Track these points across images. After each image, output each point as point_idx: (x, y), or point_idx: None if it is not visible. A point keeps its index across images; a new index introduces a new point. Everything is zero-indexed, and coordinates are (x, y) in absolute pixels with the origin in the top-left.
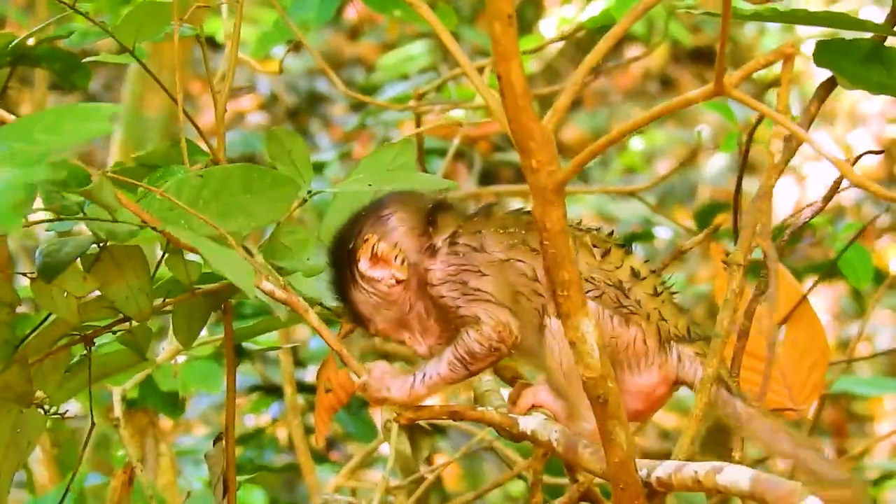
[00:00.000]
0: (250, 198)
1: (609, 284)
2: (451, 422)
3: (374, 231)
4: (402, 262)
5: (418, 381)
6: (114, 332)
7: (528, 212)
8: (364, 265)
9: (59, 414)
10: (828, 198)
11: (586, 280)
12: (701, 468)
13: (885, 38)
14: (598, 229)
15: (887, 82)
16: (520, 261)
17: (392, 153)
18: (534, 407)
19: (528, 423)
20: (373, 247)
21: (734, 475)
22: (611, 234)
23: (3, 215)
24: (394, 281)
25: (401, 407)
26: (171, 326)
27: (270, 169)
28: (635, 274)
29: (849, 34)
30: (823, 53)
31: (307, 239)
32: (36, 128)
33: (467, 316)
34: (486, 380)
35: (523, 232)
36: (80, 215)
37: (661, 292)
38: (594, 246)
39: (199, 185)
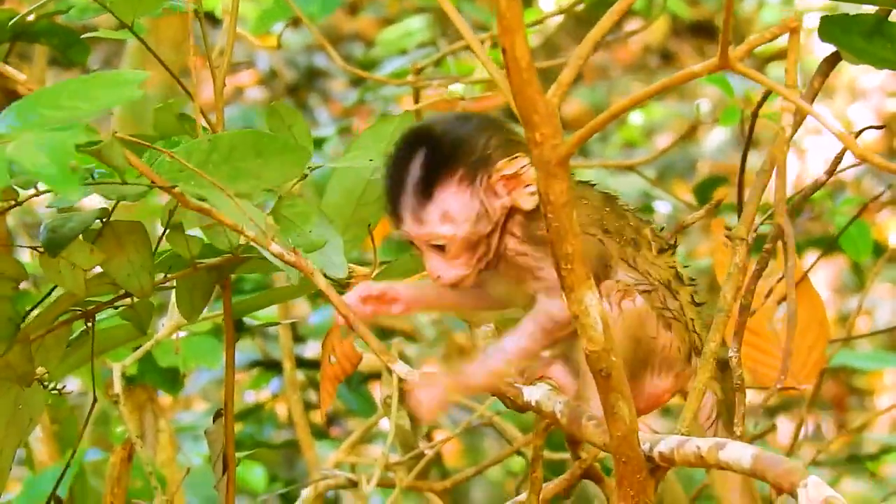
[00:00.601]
0: (261, 162)
1: (661, 283)
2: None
3: (524, 154)
4: (531, 195)
5: (496, 358)
6: (115, 308)
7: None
8: (499, 176)
9: (58, 390)
10: (831, 172)
11: (642, 274)
12: (704, 444)
13: (888, 13)
14: (650, 222)
15: (889, 56)
16: (592, 235)
17: (391, 125)
18: (541, 378)
19: (532, 394)
20: (521, 167)
21: (736, 452)
22: (661, 229)
23: (60, 179)
24: (508, 207)
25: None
26: (171, 302)
27: (279, 135)
28: (680, 278)
29: (852, 9)
30: (828, 28)
31: (309, 212)
32: (63, 95)
33: (547, 279)
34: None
35: (605, 208)
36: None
37: (698, 303)
38: (651, 241)
39: (208, 149)
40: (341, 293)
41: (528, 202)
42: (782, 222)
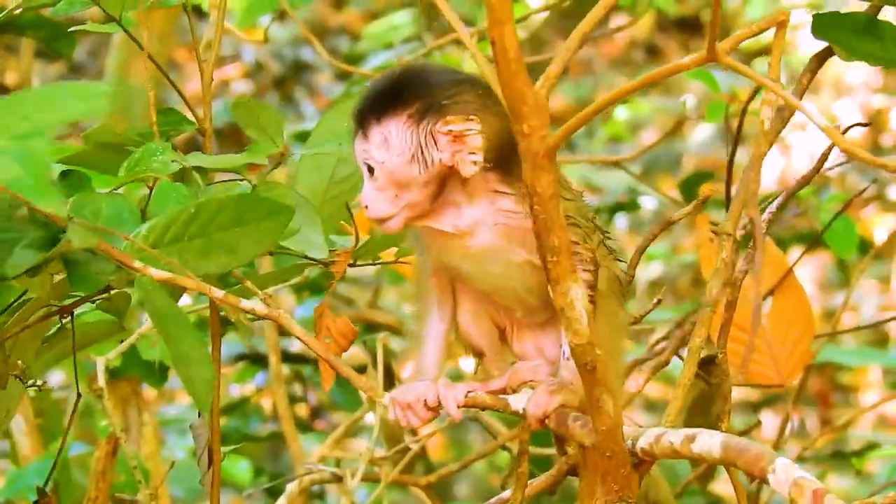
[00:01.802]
0: (239, 231)
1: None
2: None
3: (482, 121)
4: (473, 164)
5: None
6: (93, 302)
7: None
8: (444, 128)
9: (37, 386)
10: (817, 168)
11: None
12: (676, 437)
13: (878, 11)
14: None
15: (879, 53)
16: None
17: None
18: (525, 384)
19: (518, 403)
20: (469, 129)
21: (707, 442)
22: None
23: (38, 191)
24: (447, 165)
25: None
26: None
27: (266, 199)
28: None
29: (839, 7)
30: (821, 25)
31: (286, 194)
32: (28, 105)
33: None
34: None
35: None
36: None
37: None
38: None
39: (187, 219)
40: (319, 293)
41: (467, 168)
42: (753, 215)
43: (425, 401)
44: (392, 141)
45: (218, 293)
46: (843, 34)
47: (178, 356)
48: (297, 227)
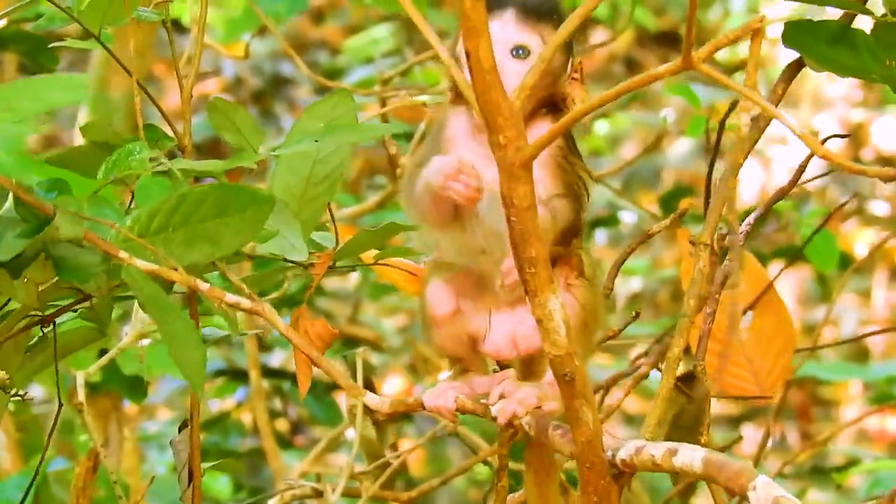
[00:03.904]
0: (221, 222)
1: None
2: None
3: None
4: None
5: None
6: (74, 311)
7: None
8: (578, 64)
9: (20, 396)
10: (795, 178)
11: None
12: (657, 450)
13: (852, 20)
14: None
15: (853, 64)
16: None
17: (329, 104)
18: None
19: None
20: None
21: (688, 456)
22: None
23: (15, 165)
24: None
25: None
26: (134, 309)
27: (246, 188)
28: None
29: (816, 16)
30: (792, 34)
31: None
32: (12, 96)
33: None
34: None
35: None
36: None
37: None
38: None
39: (170, 210)
40: (299, 303)
41: (577, 100)
42: (731, 221)
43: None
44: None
45: (203, 285)
46: (814, 43)
47: (171, 339)
48: (275, 229)
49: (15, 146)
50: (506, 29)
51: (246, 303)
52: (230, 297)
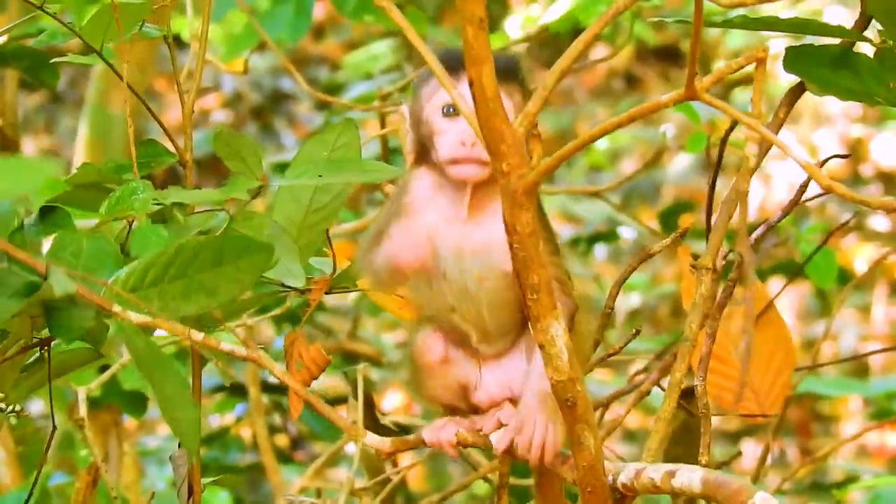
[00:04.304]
0: (217, 272)
1: None
2: (416, 422)
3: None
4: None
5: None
6: None
7: None
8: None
9: (16, 412)
10: (796, 201)
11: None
12: (657, 473)
13: (853, 44)
14: None
15: (855, 87)
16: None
17: (334, 134)
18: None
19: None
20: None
21: (687, 477)
22: None
23: None
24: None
25: None
26: None
27: (243, 237)
28: None
29: (819, 39)
30: (793, 59)
31: (263, 224)
32: None
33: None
34: None
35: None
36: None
37: None
38: None
39: (167, 262)
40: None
41: (534, 155)
42: (744, 251)
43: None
44: (517, 101)
45: (197, 336)
46: (815, 67)
47: (164, 399)
48: (276, 258)
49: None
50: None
51: (242, 351)
52: (225, 346)
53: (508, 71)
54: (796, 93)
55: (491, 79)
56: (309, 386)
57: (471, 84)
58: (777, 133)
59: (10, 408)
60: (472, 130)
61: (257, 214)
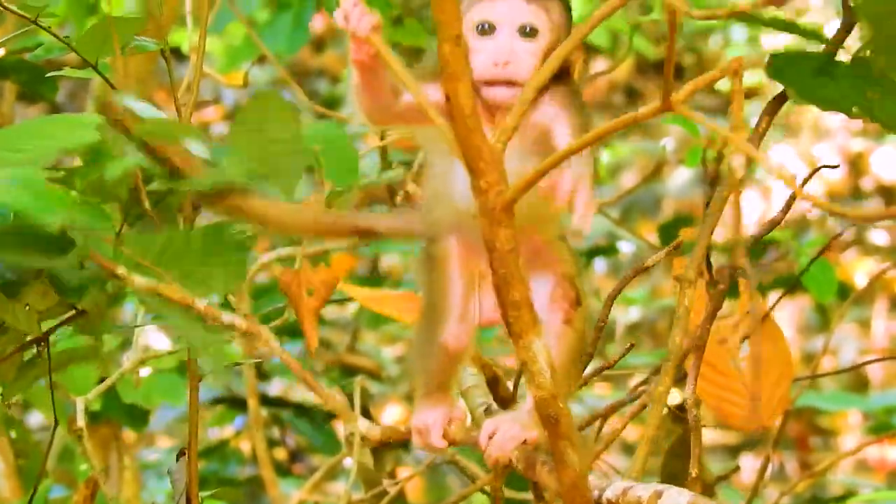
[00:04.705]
0: (206, 270)
1: None
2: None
3: None
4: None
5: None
6: (68, 325)
7: None
8: None
9: (8, 404)
10: (784, 212)
11: None
12: (644, 492)
13: (835, 52)
14: None
15: (833, 96)
16: None
17: (258, 106)
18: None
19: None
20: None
21: (674, 500)
22: None
23: (39, 207)
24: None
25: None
26: (134, 337)
27: (231, 232)
28: None
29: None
30: (776, 66)
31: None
32: (22, 136)
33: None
34: (470, 373)
35: None
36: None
37: None
38: None
39: (159, 250)
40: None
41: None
42: (741, 262)
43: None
44: (555, 19)
45: (200, 303)
46: (798, 75)
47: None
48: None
49: (35, 186)
50: (513, 9)
51: (242, 323)
52: (227, 317)
53: None
54: (778, 103)
55: (468, 95)
56: (321, 308)
57: (447, 100)
58: (759, 143)
59: (8, 403)
60: (509, 48)
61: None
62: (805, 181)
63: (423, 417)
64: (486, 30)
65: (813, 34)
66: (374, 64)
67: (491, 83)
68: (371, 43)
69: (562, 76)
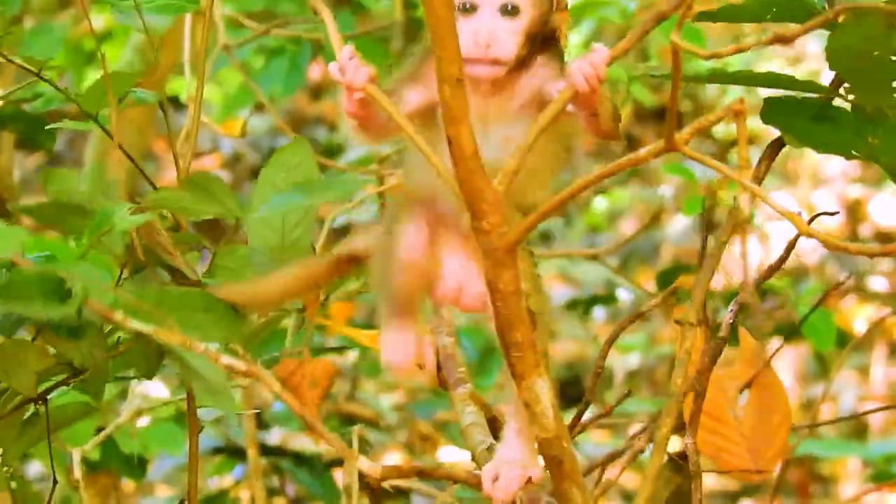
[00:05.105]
0: (207, 317)
1: None
2: (414, 485)
3: None
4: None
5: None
6: (67, 384)
7: None
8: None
9: (9, 469)
10: (785, 256)
11: None
12: None
13: (833, 98)
14: None
15: (833, 140)
16: None
17: (287, 154)
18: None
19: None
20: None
21: None
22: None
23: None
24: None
25: None
26: (131, 387)
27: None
28: None
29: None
30: (771, 111)
31: (245, 254)
32: None
33: None
34: (469, 412)
35: None
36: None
37: None
38: None
39: (157, 299)
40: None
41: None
42: (749, 300)
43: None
44: (544, 3)
45: (199, 346)
46: (795, 120)
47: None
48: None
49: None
50: None
51: (241, 365)
52: (226, 359)
53: None
54: (776, 147)
55: (469, 138)
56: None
57: (449, 143)
58: (760, 186)
59: (8, 468)
60: (490, 28)
61: (239, 247)
62: (810, 222)
63: (391, 337)
64: (467, 9)
65: (810, 86)
66: (367, 113)
67: (471, 62)
68: (368, 94)
69: (549, 42)
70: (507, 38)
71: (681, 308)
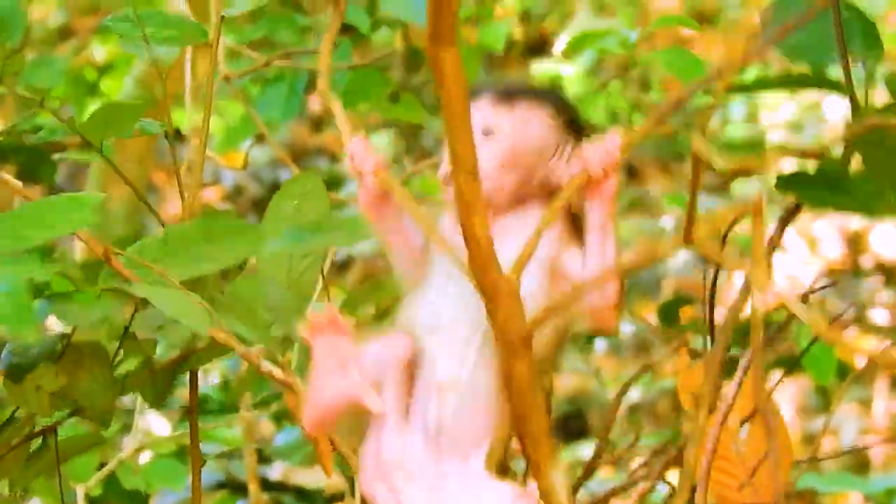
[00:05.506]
0: (212, 247)
1: None
2: None
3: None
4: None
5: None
6: (74, 414)
7: None
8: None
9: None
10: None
11: None
12: None
13: (848, 165)
14: None
15: (849, 203)
16: None
17: (298, 185)
18: None
19: None
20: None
21: None
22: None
23: (14, 319)
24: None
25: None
26: (134, 422)
27: (226, 219)
28: None
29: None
30: (785, 183)
31: (256, 287)
32: (20, 223)
33: None
34: None
35: None
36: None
37: None
38: None
39: (161, 243)
40: None
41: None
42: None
43: None
44: (532, 124)
45: (240, 347)
46: (809, 191)
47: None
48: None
49: (16, 295)
50: (478, 113)
51: (280, 373)
52: (266, 365)
53: (515, 90)
54: (790, 215)
55: (484, 227)
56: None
57: (464, 233)
58: (772, 255)
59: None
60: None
61: (251, 279)
62: (804, 297)
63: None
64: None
65: (822, 158)
66: (381, 202)
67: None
68: (378, 178)
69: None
70: (483, 155)
71: (685, 349)
